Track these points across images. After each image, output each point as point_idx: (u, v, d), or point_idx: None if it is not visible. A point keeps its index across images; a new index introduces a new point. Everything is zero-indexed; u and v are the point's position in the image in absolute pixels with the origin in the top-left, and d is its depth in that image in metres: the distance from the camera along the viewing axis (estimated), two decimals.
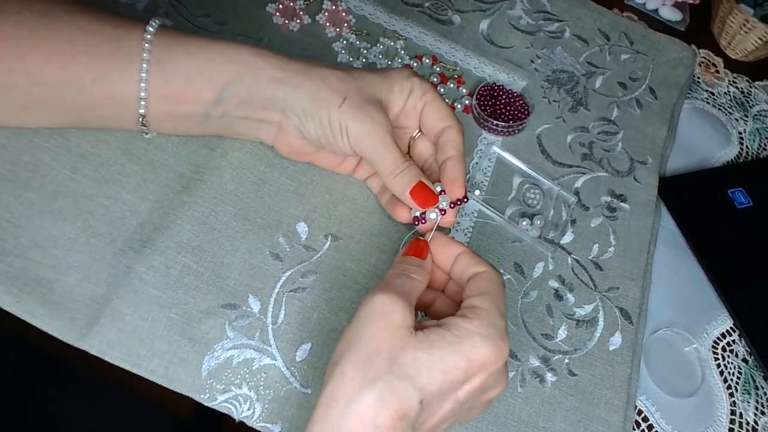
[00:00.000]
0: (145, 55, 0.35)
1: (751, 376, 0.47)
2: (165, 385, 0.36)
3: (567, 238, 0.48)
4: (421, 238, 0.38)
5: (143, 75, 0.36)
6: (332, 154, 0.42)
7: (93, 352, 0.35)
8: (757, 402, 0.46)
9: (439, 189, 0.40)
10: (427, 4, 0.57)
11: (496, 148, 0.50)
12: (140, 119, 0.37)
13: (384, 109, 0.39)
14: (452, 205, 0.40)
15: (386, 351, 0.30)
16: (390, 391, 0.29)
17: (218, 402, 0.36)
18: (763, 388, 0.47)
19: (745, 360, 0.48)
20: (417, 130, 0.42)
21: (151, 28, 0.36)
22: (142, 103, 0.36)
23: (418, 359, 0.30)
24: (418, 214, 0.40)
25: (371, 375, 0.29)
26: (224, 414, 0.36)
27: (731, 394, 0.46)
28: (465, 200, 0.40)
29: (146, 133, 0.40)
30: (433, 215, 0.39)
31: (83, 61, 0.35)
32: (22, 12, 0.34)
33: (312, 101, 0.37)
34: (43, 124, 0.39)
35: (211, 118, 0.38)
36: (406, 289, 0.33)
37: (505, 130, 0.51)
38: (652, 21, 0.67)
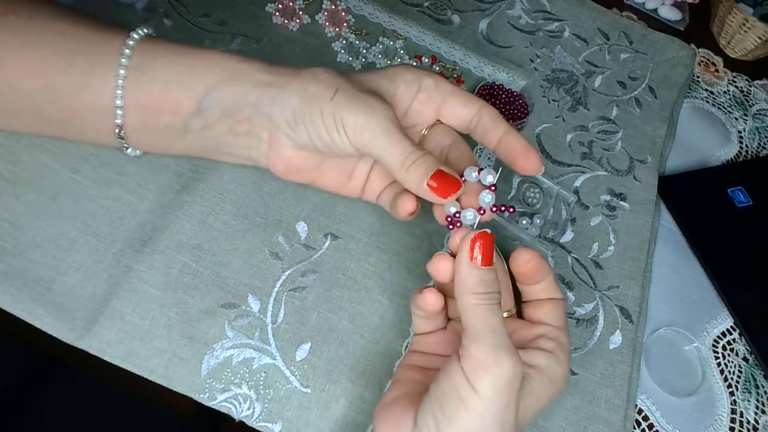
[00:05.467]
0: (123, 60, 0.34)
1: (752, 375, 0.47)
2: (165, 385, 0.36)
3: (567, 237, 0.48)
4: (487, 231, 0.32)
5: (120, 82, 0.34)
6: (335, 171, 0.39)
7: (92, 352, 0.35)
8: (757, 401, 0.46)
9: (474, 174, 0.33)
10: (426, 4, 0.57)
11: None
12: (117, 130, 0.35)
13: (384, 99, 0.35)
14: (494, 209, 0.33)
15: (514, 418, 0.30)
16: None
17: (218, 401, 0.36)
18: (763, 386, 0.47)
19: (745, 359, 0.48)
20: (425, 127, 0.38)
21: (135, 35, 0.35)
22: (119, 112, 0.34)
23: (527, 414, 0.31)
24: (453, 211, 0.33)
25: None
26: (224, 413, 0.36)
27: (732, 393, 0.46)
28: (512, 209, 0.34)
29: (126, 148, 0.38)
30: (470, 215, 0.33)
31: (61, 67, 0.33)
32: (6, 16, 0.33)
33: (301, 99, 0.34)
34: (32, 132, 0.38)
35: (191, 131, 0.36)
36: (507, 333, 0.30)
37: None
38: (652, 20, 0.67)
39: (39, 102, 0.34)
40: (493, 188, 0.33)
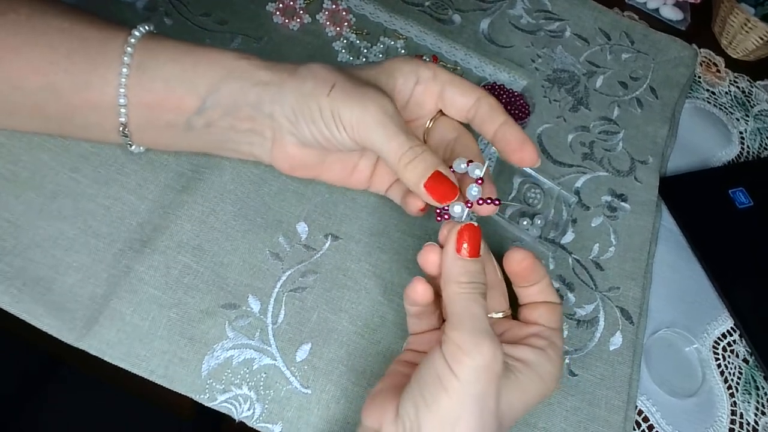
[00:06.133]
0: (126, 59, 0.34)
1: (752, 377, 0.47)
2: (165, 386, 0.36)
3: (567, 238, 0.48)
4: (474, 223, 0.32)
5: (123, 80, 0.34)
6: (339, 165, 0.39)
7: (92, 352, 0.35)
8: (757, 402, 0.46)
9: (462, 166, 0.34)
10: (427, 3, 0.57)
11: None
12: (121, 129, 0.36)
13: (383, 92, 0.35)
14: (480, 202, 0.33)
15: (494, 405, 0.30)
16: None
17: (218, 402, 0.36)
18: (763, 388, 0.47)
19: (745, 360, 0.48)
20: (429, 119, 0.38)
21: (137, 33, 0.35)
22: (122, 111, 0.34)
23: (513, 407, 0.31)
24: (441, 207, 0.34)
25: None
26: (224, 414, 0.36)
27: (732, 395, 0.46)
28: (497, 202, 0.34)
29: (130, 145, 0.38)
30: (458, 209, 0.33)
31: (63, 66, 0.33)
32: (6, 14, 0.33)
33: (299, 96, 0.34)
34: (33, 130, 0.38)
35: (194, 128, 0.36)
36: (488, 322, 0.30)
37: None
38: (653, 20, 0.67)
39: (40, 100, 0.34)
40: (480, 182, 0.33)
